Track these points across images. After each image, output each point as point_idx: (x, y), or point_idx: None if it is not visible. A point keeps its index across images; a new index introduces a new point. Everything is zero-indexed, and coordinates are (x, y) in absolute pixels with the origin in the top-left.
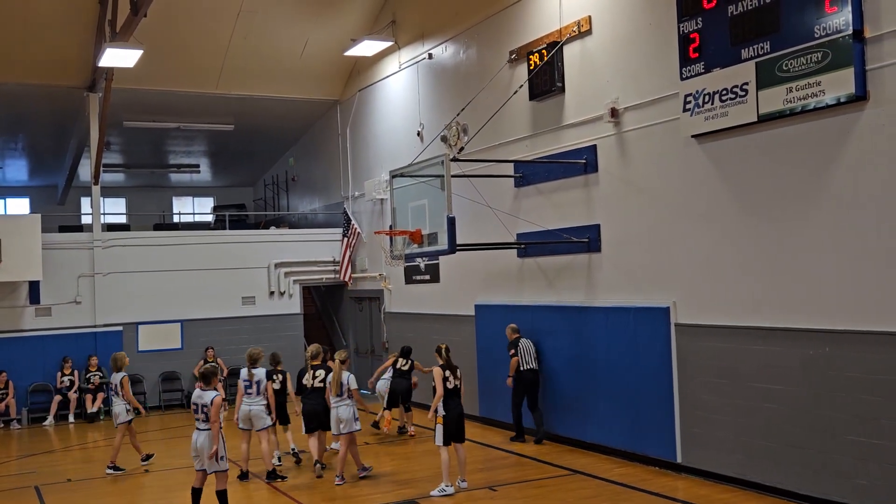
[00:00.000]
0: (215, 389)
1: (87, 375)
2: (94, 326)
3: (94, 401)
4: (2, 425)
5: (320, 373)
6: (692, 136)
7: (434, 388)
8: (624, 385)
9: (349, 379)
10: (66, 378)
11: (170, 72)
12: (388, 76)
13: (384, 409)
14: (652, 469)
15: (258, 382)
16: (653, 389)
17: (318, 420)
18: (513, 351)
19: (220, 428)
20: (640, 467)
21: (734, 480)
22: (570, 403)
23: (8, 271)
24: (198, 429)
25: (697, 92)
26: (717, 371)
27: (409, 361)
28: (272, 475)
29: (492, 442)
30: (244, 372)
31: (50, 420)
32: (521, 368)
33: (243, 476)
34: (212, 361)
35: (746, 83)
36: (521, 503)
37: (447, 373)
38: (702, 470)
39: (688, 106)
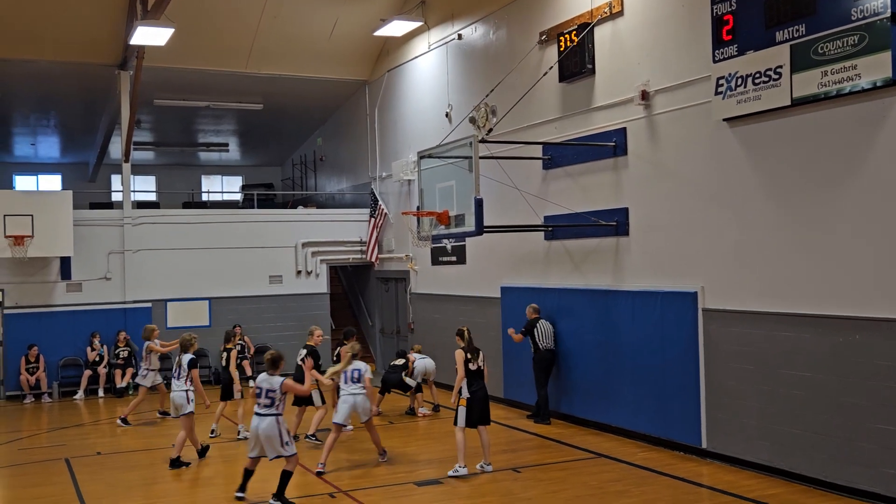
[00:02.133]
0: (282, 375)
1: (116, 351)
2: (124, 303)
3: (123, 376)
4: (33, 399)
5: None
6: (724, 120)
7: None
8: (650, 369)
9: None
10: (96, 353)
11: (200, 51)
12: (417, 57)
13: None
14: (676, 454)
15: (180, 367)
16: (679, 374)
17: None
18: (524, 330)
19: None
20: (664, 452)
21: (760, 467)
22: (595, 387)
23: (40, 247)
24: (259, 414)
25: (730, 75)
26: (745, 357)
27: (404, 360)
28: (176, 463)
29: (516, 424)
30: (176, 358)
31: (80, 394)
32: (541, 348)
33: (174, 464)
34: (239, 340)
35: (780, 66)
36: (544, 485)
37: (469, 355)
38: (727, 456)
39: (720, 89)
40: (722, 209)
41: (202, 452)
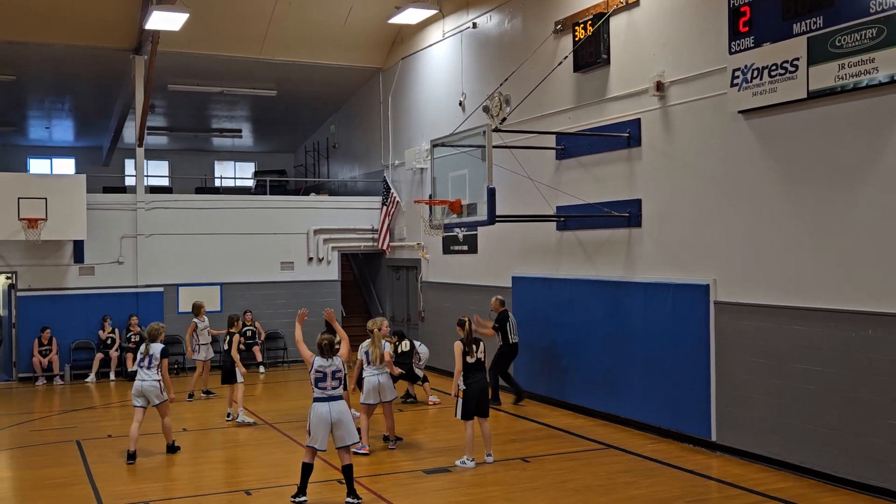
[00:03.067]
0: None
1: (128, 335)
2: (136, 287)
3: (134, 359)
4: (45, 381)
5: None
6: (739, 112)
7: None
8: (660, 361)
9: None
10: (107, 336)
11: (215, 36)
12: (431, 45)
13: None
14: (686, 446)
15: (151, 356)
16: (689, 367)
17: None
18: (496, 325)
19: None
20: (673, 444)
21: (769, 461)
22: (604, 378)
23: (53, 230)
24: (324, 399)
25: (746, 67)
26: (756, 350)
27: (409, 343)
28: (172, 448)
29: (526, 414)
30: (142, 347)
31: (91, 377)
32: (511, 341)
33: (131, 457)
34: (250, 325)
35: (797, 59)
36: (553, 475)
37: (467, 347)
38: (737, 449)
39: (735, 81)
40: (735, 202)
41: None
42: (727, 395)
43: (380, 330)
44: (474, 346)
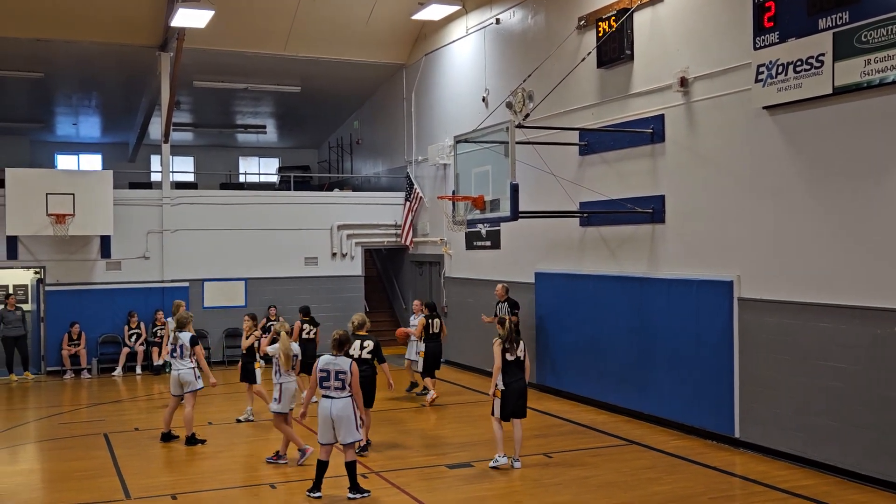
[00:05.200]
0: (347, 355)
1: (154, 329)
2: (162, 282)
3: (160, 354)
4: (73, 374)
5: (368, 343)
6: (763, 108)
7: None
8: (683, 358)
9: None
10: (133, 332)
11: (239, 33)
12: (454, 41)
13: (423, 376)
14: (709, 443)
15: (182, 346)
16: (713, 363)
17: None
18: (516, 311)
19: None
20: (696, 440)
21: (793, 458)
22: (628, 374)
23: (81, 225)
24: (330, 397)
25: (771, 62)
26: (780, 347)
27: (438, 319)
28: (192, 440)
29: (549, 409)
30: (172, 336)
31: (118, 371)
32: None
33: (166, 437)
34: (274, 320)
35: (822, 54)
36: (575, 471)
37: (507, 345)
38: (760, 446)
39: (760, 76)
40: (760, 198)
41: (191, 440)
42: (751, 392)
43: (289, 334)
44: (515, 344)
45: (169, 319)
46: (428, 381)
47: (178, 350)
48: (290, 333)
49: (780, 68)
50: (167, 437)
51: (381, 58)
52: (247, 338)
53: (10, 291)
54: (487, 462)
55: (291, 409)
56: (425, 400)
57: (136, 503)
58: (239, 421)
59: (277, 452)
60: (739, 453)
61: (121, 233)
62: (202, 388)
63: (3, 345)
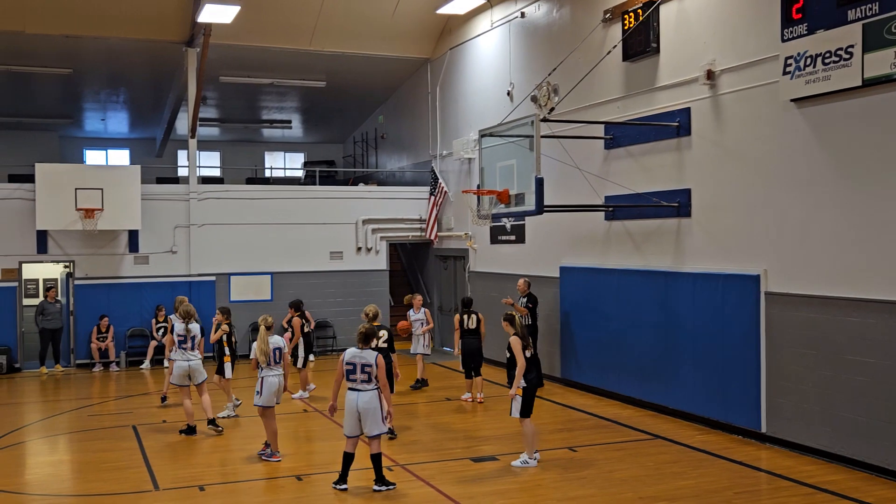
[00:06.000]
0: (374, 349)
1: (159, 326)
2: (189, 276)
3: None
4: (102, 367)
5: (383, 333)
6: (791, 101)
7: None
8: (709, 352)
9: None
10: (160, 325)
11: (265, 28)
12: (479, 35)
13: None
14: (735, 438)
15: (193, 338)
16: (739, 358)
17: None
18: (530, 305)
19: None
20: (722, 435)
21: (820, 452)
22: (653, 368)
23: (109, 220)
24: (356, 390)
25: (799, 54)
26: (807, 342)
27: (474, 315)
28: (213, 422)
29: (573, 403)
30: (180, 327)
31: (146, 364)
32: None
33: (190, 430)
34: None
35: (851, 46)
36: (600, 465)
37: (524, 342)
38: (787, 441)
39: (788, 69)
40: (787, 191)
41: (191, 430)
42: (777, 387)
43: (269, 328)
44: (529, 341)
45: (172, 316)
46: (467, 381)
47: (190, 342)
48: (269, 328)
49: (809, 60)
50: (191, 431)
51: (406, 52)
52: (215, 331)
53: (50, 285)
54: (512, 456)
55: (277, 403)
56: (473, 398)
57: (164, 494)
58: (220, 418)
59: (266, 444)
60: (766, 448)
61: (148, 227)
62: (206, 378)
63: (41, 337)
